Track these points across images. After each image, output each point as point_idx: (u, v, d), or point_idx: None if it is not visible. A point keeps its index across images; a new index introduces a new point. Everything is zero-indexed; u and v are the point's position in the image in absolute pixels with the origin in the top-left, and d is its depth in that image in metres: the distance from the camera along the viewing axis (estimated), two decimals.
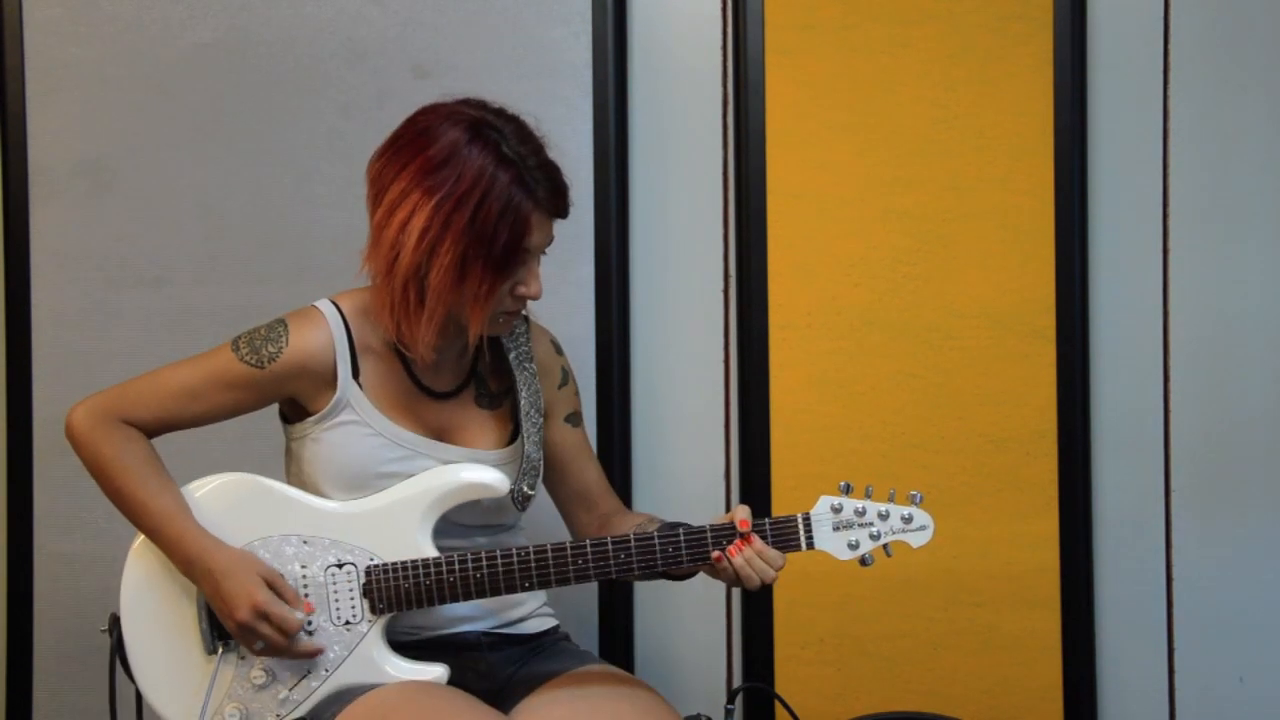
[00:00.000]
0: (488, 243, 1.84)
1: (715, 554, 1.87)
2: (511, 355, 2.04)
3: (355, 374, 1.96)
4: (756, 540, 1.88)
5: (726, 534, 1.89)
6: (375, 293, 1.93)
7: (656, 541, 1.89)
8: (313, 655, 1.90)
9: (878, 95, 2.50)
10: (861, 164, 2.50)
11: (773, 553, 1.88)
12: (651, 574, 1.97)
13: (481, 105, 1.93)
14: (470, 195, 1.83)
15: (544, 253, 1.95)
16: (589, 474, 2.16)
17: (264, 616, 1.86)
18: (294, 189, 2.60)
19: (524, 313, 2.04)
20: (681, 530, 1.90)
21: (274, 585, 1.89)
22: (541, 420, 2.05)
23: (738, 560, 1.87)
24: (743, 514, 1.89)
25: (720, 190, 2.57)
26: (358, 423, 1.95)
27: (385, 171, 1.89)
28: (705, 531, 1.89)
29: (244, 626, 1.86)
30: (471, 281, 1.86)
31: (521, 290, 1.92)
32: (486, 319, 1.91)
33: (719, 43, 2.57)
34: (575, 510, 2.16)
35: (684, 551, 1.89)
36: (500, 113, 1.92)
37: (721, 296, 2.57)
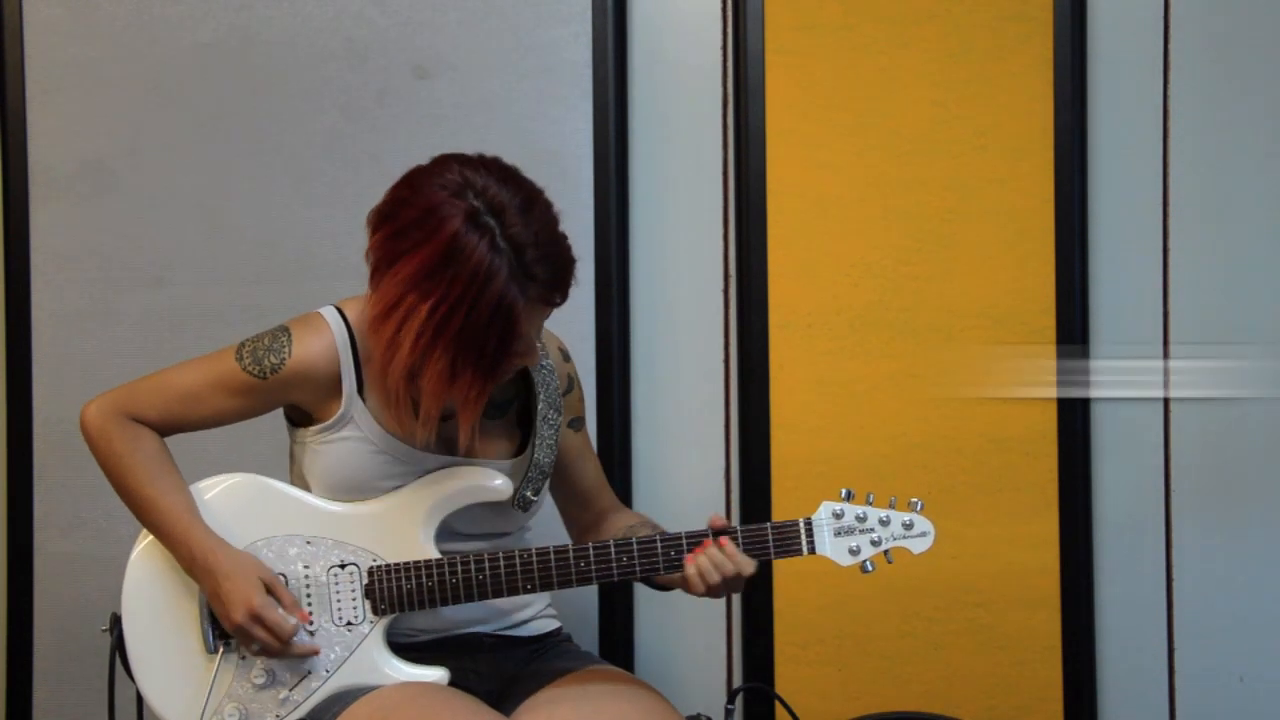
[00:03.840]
0: (478, 349, 1.80)
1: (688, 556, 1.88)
2: None
3: (360, 388, 1.96)
4: (712, 547, 1.87)
5: (731, 533, 1.89)
6: (372, 374, 1.91)
7: (659, 544, 1.90)
8: (309, 655, 1.91)
9: (878, 95, 2.50)
10: (861, 164, 2.50)
11: (740, 559, 1.87)
12: (651, 579, 1.98)
13: (488, 170, 1.83)
14: (463, 301, 1.77)
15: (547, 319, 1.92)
16: (588, 474, 2.16)
17: (259, 620, 1.86)
18: (294, 189, 2.60)
19: None
20: (684, 534, 1.90)
21: (273, 590, 1.89)
22: (559, 420, 2.04)
23: (692, 568, 1.87)
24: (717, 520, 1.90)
25: (720, 190, 2.57)
26: (360, 439, 1.95)
27: (381, 255, 1.83)
28: (708, 534, 1.89)
29: (239, 628, 1.87)
30: (461, 385, 1.82)
31: (518, 363, 1.89)
32: (477, 415, 1.87)
33: (719, 43, 2.57)
34: (571, 508, 2.17)
35: (686, 553, 1.89)
36: (510, 181, 1.83)
37: (721, 296, 2.57)
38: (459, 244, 1.77)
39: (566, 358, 2.14)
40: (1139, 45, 2.49)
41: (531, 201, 1.82)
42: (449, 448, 2.00)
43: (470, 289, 1.77)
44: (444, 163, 1.85)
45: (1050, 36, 2.46)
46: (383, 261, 1.83)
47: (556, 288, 1.84)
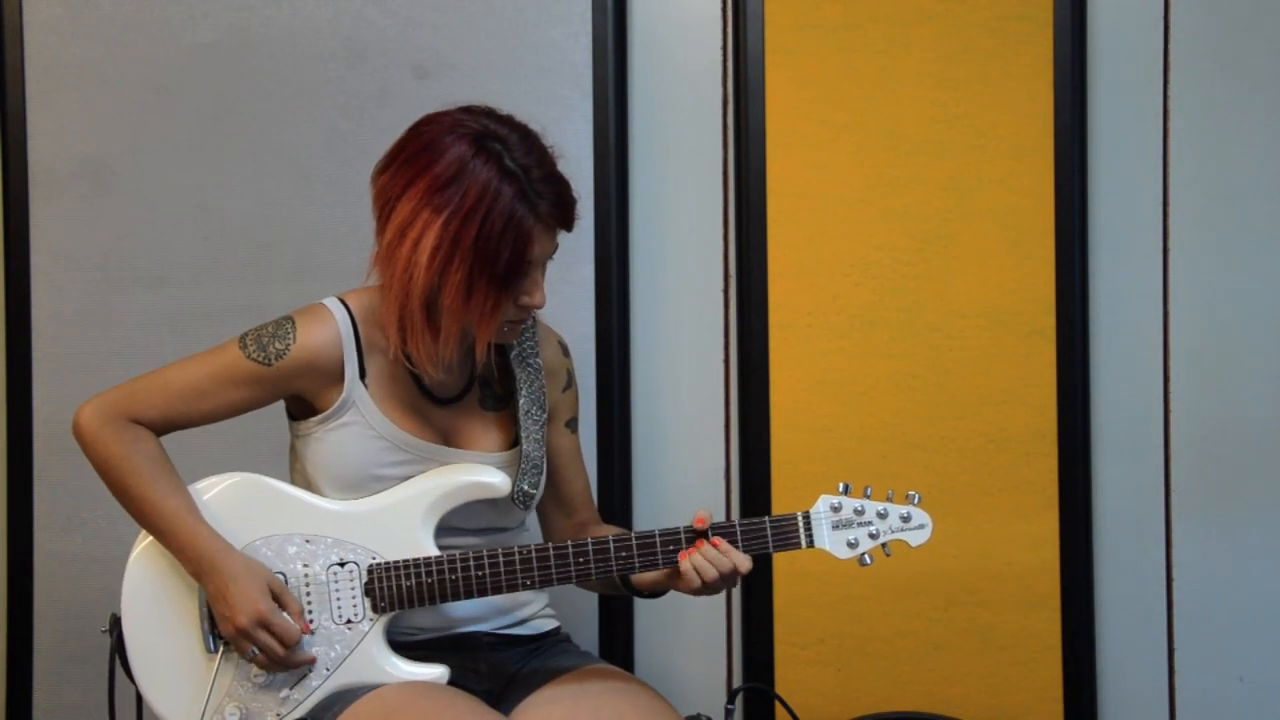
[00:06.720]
0: (491, 259, 1.84)
1: (681, 553, 1.89)
2: (513, 353, 2.04)
3: (362, 375, 1.96)
4: (706, 545, 1.89)
5: (728, 528, 1.90)
6: (385, 310, 1.92)
7: (657, 539, 1.90)
8: (303, 665, 1.91)
9: (878, 95, 2.50)
10: (861, 164, 2.50)
11: (736, 556, 1.88)
12: (642, 589, 1.98)
13: (486, 114, 1.92)
14: (475, 211, 1.83)
15: (550, 259, 1.95)
16: (577, 482, 2.17)
17: (265, 625, 1.87)
18: (294, 189, 2.60)
19: None
20: (681, 529, 1.90)
21: (279, 597, 1.90)
22: (544, 417, 2.05)
23: (687, 563, 1.89)
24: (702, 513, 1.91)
25: (720, 190, 2.57)
26: (361, 424, 1.95)
27: (391, 186, 1.89)
28: (706, 533, 1.90)
29: (243, 632, 1.87)
30: (477, 298, 1.86)
31: (525, 301, 1.92)
32: (493, 333, 1.91)
33: (719, 43, 2.57)
34: (554, 514, 2.17)
35: (685, 548, 1.89)
36: (506, 121, 1.91)
37: (721, 296, 2.57)
38: (469, 161, 1.85)
39: (566, 353, 2.15)
40: (1139, 45, 2.49)
41: (530, 134, 1.91)
42: (446, 439, 2.01)
43: (483, 201, 1.83)
44: (441, 110, 1.93)
45: (1050, 36, 2.46)
46: (392, 191, 1.89)
47: (563, 210, 1.90)
